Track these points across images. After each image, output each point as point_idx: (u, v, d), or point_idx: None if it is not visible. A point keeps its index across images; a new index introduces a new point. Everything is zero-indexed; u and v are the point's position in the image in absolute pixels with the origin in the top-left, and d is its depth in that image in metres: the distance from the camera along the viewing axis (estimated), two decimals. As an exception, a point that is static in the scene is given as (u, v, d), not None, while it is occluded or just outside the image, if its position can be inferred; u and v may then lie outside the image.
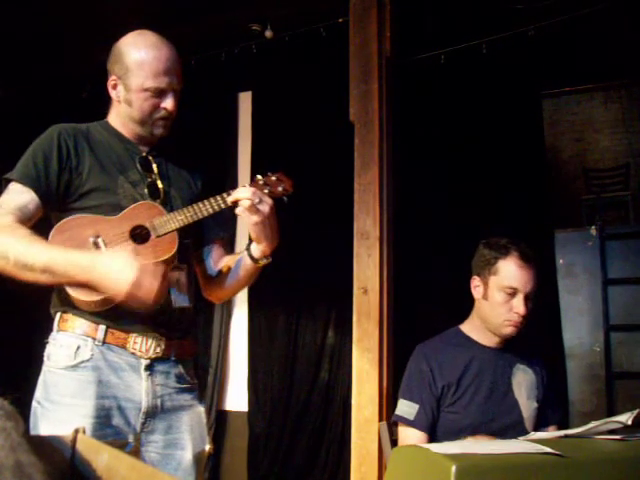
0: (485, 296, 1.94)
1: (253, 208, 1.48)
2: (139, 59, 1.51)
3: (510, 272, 1.88)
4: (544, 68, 4.07)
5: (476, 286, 1.99)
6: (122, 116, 1.59)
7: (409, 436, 1.90)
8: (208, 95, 4.16)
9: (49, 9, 3.67)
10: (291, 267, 3.57)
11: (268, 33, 4.01)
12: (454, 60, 3.82)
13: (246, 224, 1.52)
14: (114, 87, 1.57)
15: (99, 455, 0.74)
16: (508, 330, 1.90)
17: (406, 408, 1.91)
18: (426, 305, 3.62)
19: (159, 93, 1.53)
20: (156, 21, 3.81)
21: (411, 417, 1.89)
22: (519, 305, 1.86)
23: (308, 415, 3.88)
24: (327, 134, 3.78)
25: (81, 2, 3.62)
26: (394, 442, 2.03)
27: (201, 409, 1.61)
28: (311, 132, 3.95)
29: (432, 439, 1.90)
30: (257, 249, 1.57)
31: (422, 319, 3.49)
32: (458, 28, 3.79)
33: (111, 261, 1.35)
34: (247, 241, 1.61)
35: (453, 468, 1.01)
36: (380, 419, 2.71)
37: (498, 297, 1.89)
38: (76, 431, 0.77)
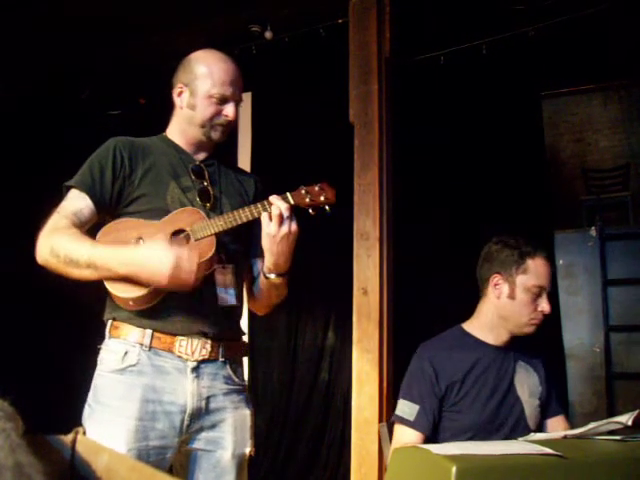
0: (511, 295, 1.91)
1: (277, 219, 1.51)
2: (208, 68, 1.65)
3: (539, 271, 1.89)
4: (544, 69, 4.07)
5: (497, 284, 1.95)
6: (182, 122, 1.69)
7: (406, 436, 1.88)
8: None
9: (49, 9, 3.67)
10: (291, 267, 3.56)
11: (268, 34, 4.01)
12: (454, 61, 3.82)
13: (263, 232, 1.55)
14: (179, 94, 1.68)
15: (99, 456, 0.74)
16: (531, 329, 1.91)
17: (406, 409, 1.89)
18: (426, 306, 3.61)
19: (222, 101, 1.66)
20: (156, 23, 3.84)
21: (411, 418, 1.87)
22: (545, 304, 1.88)
23: (308, 416, 3.88)
24: (327, 135, 3.78)
25: (81, 3, 3.62)
26: (394, 443, 2.03)
27: (247, 412, 1.65)
28: (311, 133, 3.95)
29: (432, 440, 1.89)
30: (265, 262, 1.62)
31: (422, 320, 3.48)
32: (458, 29, 3.79)
33: (150, 250, 1.44)
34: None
35: (453, 469, 1.01)
36: (380, 420, 2.71)
37: (526, 297, 1.89)
38: (76, 432, 0.77)
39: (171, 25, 3.86)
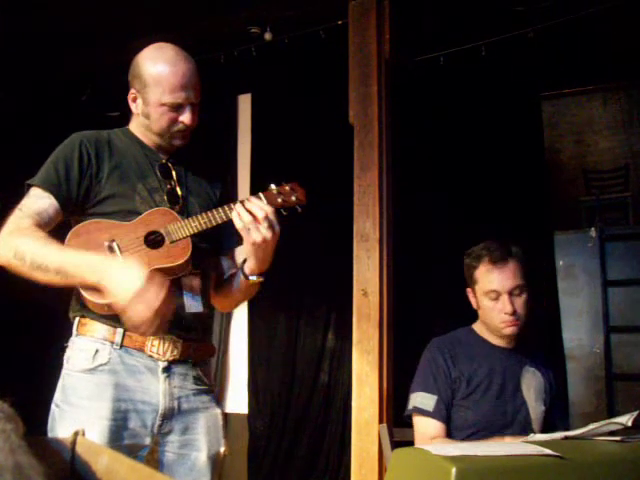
0: (477, 305, 2.02)
1: (264, 220, 1.48)
2: (156, 74, 1.55)
3: (486, 277, 1.96)
4: (543, 70, 4.07)
5: (471, 297, 2.06)
6: (141, 127, 1.64)
7: (429, 427, 1.91)
8: (207, 97, 4.14)
9: (49, 10, 3.67)
10: (291, 269, 3.57)
11: (267, 35, 4.01)
12: (453, 62, 3.82)
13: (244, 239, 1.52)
14: (134, 100, 1.61)
15: (99, 457, 0.74)
16: (507, 331, 1.94)
17: (424, 400, 1.93)
18: (426, 307, 3.61)
19: (176, 107, 1.57)
20: (156, 24, 3.83)
21: (430, 408, 1.91)
22: (505, 305, 1.92)
23: (308, 417, 3.88)
24: (326, 136, 3.78)
25: (81, 4, 3.62)
26: (394, 444, 2.04)
27: (217, 411, 1.63)
28: (310, 134, 3.95)
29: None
30: (246, 265, 1.58)
31: (422, 321, 3.49)
32: (457, 30, 3.79)
33: (121, 267, 1.38)
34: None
35: (453, 470, 1.01)
36: (380, 421, 2.71)
37: (486, 303, 1.96)
38: (76, 433, 0.77)
39: (170, 26, 3.85)
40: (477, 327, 2.07)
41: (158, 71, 1.55)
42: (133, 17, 3.76)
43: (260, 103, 4.34)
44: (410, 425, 2.03)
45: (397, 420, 2.75)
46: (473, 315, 2.10)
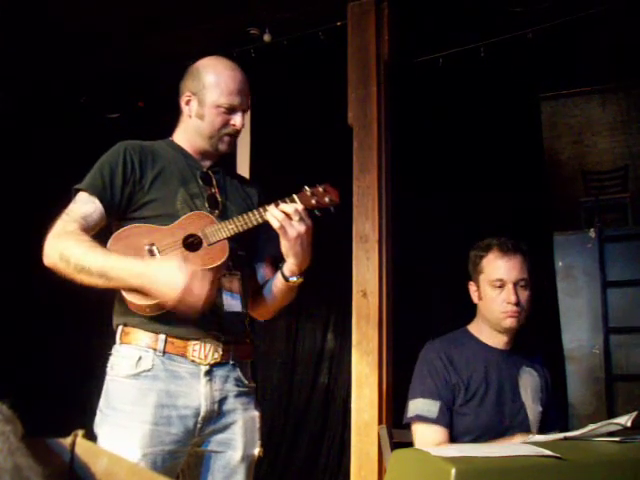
0: (480, 296, 1.99)
1: (296, 217, 1.54)
2: (215, 78, 1.65)
3: (493, 265, 1.95)
4: (542, 71, 4.08)
5: (473, 290, 2.03)
6: (190, 131, 1.70)
7: (432, 434, 1.87)
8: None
9: (49, 12, 3.67)
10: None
11: (266, 37, 4.01)
12: (452, 63, 3.83)
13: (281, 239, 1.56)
14: (187, 103, 1.69)
15: (98, 459, 0.74)
16: (507, 322, 1.92)
17: (426, 407, 1.89)
18: (425, 307, 3.61)
19: (230, 110, 1.66)
20: (156, 26, 3.84)
21: (434, 415, 1.87)
22: (509, 294, 1.91)
23: (308, 418, 3.88)
24: (326, 137, 3.79)
25: (81, 7, 3.62)
26: (394, 445, 2.03)
27: (256, 413, 1.66)
28: (310, 136, 3.95)
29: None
30: (286, 266, 1.63)
31: (421, 322, 3.49)
32: (456, 31, 3.80)
33: (162, 267, 1.44)
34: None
35: (453, 471, 1.01)
36: (380, 422, 2.71)
37: (490, 293, 1.94)
38: (75, 434, 0.77)
39: (169, 28, 3.86)
40: (473, 328, 2.04)
41: (217, 75, 1.65)
42: (133, 19, 3.76)
43: (259, 104, 4.33)
44: (410, 428, 2.02)
45: (397, 421, 2.75)
46: (473, 315, 2.08)
